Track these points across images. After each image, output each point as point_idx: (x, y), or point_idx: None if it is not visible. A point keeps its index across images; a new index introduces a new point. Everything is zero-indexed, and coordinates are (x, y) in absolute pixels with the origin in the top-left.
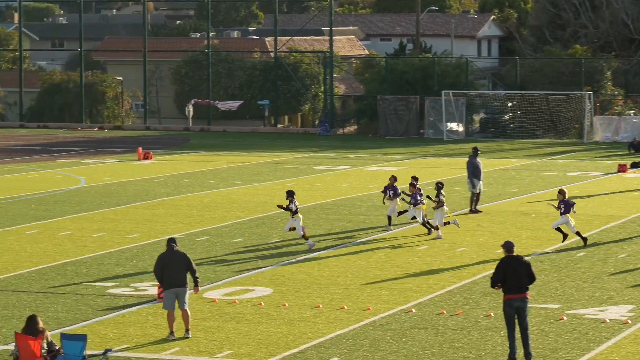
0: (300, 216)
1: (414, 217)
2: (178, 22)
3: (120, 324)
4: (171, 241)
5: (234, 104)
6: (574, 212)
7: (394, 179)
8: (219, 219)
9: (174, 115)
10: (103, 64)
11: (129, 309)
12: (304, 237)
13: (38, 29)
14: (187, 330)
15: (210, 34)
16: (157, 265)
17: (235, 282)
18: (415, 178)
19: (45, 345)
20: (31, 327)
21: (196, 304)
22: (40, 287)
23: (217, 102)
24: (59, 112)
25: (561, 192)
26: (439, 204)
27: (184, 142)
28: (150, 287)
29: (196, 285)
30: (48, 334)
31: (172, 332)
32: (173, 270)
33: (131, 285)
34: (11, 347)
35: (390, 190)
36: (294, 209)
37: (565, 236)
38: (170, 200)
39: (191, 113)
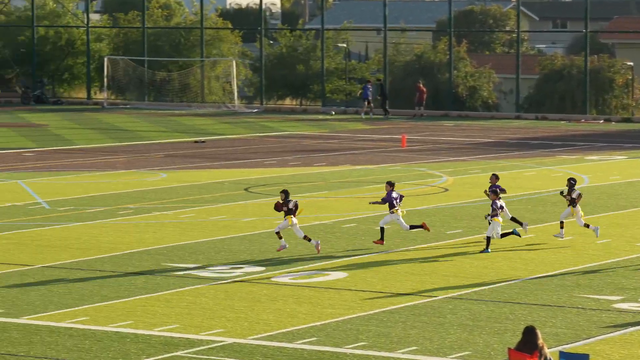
0: (295, 220)
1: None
2: None
3: (628, 343)
4: None
5: None
6: None
7: (495, 178)
8: None
9: None
10: (611, 47)
11: (637, 327)
12: (306, 238)
13: (538, 8)
14: None
15: None
16: None
17: None
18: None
19: None
20: (529, 342)
21: None
22: (537, 299)
23: None
24: (559, 102)
25: None
26: (572, 202)
27: None
28: None
29: None
30: (547, 351)
31: None
32: None
33: None
34: None
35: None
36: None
37: None
38: None
39: None
